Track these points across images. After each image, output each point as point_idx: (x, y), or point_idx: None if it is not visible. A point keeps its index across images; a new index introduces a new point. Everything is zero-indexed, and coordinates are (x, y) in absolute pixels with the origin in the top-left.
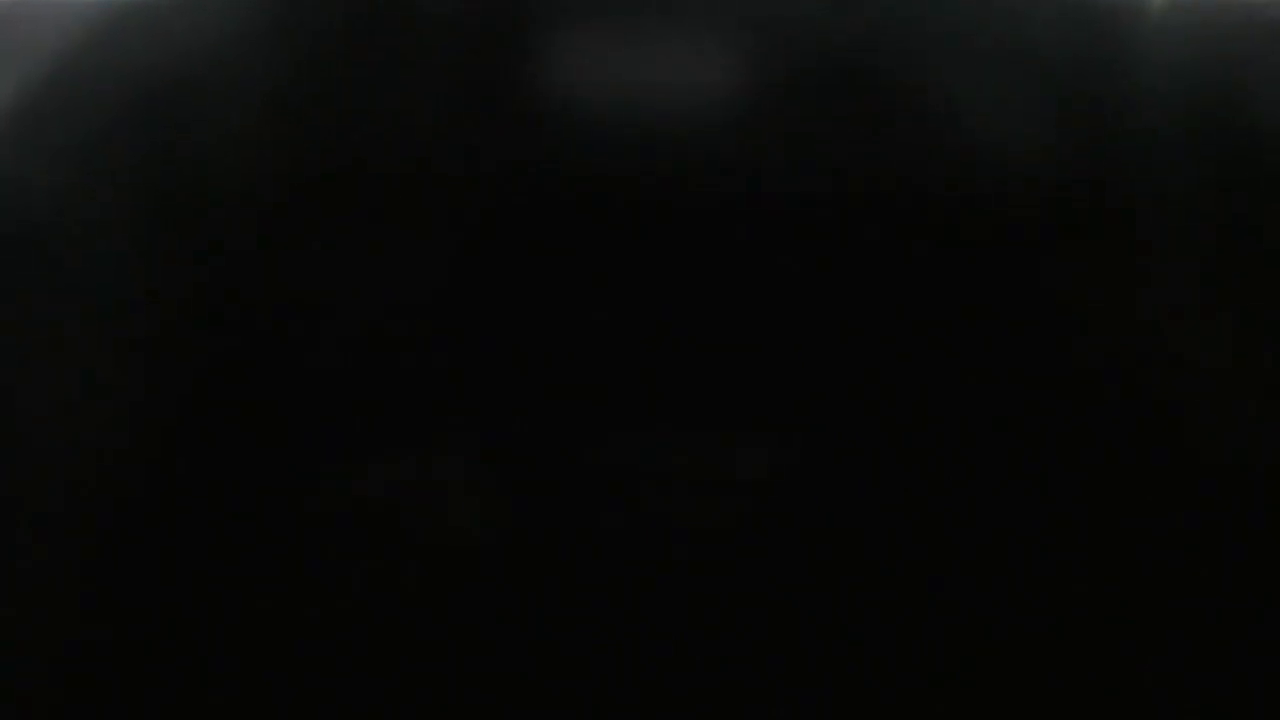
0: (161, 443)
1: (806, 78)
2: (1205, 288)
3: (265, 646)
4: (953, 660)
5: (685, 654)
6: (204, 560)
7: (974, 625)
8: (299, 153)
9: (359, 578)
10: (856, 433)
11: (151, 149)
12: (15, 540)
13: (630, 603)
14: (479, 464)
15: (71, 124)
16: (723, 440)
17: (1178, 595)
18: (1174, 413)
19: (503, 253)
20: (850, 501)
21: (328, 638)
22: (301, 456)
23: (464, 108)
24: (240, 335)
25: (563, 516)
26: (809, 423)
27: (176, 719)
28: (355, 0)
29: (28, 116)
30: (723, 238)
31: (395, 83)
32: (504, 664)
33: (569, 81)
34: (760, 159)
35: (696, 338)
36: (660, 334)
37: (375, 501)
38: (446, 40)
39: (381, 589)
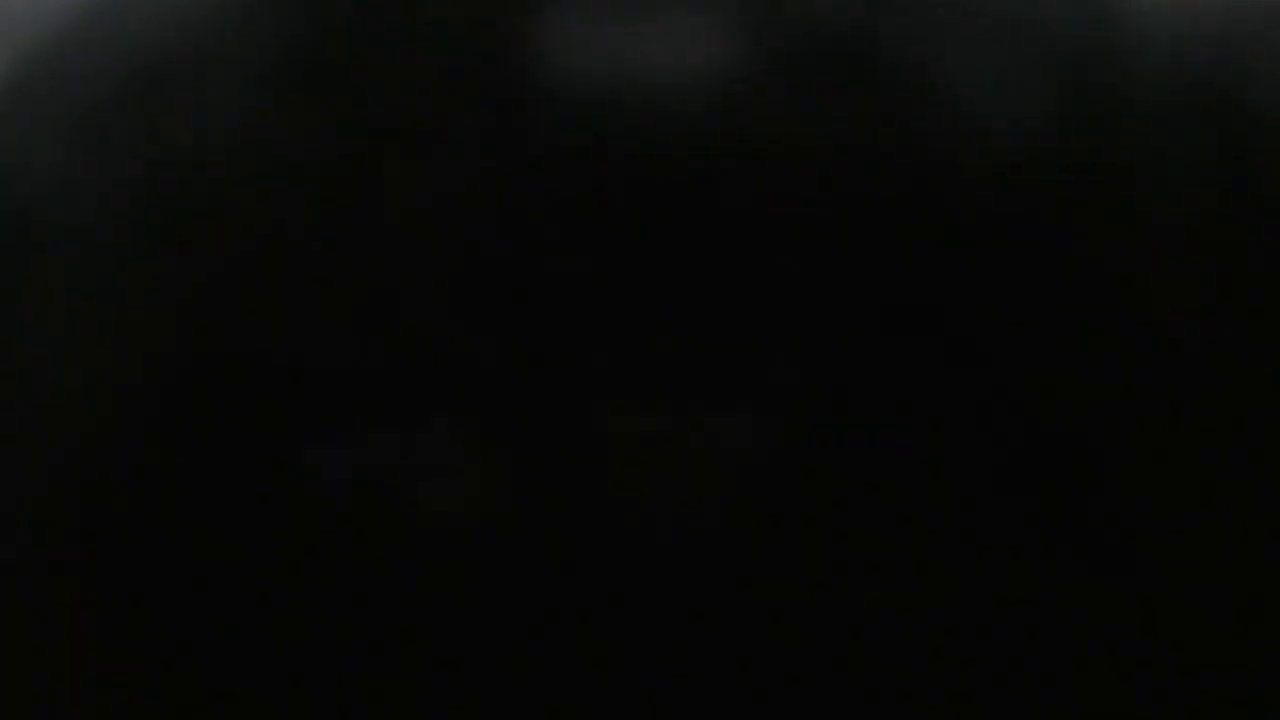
0: (157, 425)
1: (809, 55)
2: (1205, 272)
3: (264, 636)
4: (949, 651)
5: (681, 636)
6: (200, 548)
7: (973, 616)
8: (297, 130)
9: (358, 561)
10: (855, 416)
11: (148, 127)
12: (6, 527)
13: (628, 586)
14: (478, 443)
15: (67, 101)
16: (721, 419)
17: (1178, 589)
18: (1174, 402)
19: (501, 231)
20: (852, 485)
21: (326, 625)
22: (300, 437)
23: (465, 86)
24: (238, 314)
25: (561, 495)
26: (812, 402)
27: (176, 710)
28: None
29: (23, 92)
30: (724, 215)
31: (396, 62)
32: (501, 648)
33: (570, 59)
34: (764, 136)
35: (696, 316)
36: (659, 312)
37: (376, 485)
38: (449, 18)
39: (384, 571)
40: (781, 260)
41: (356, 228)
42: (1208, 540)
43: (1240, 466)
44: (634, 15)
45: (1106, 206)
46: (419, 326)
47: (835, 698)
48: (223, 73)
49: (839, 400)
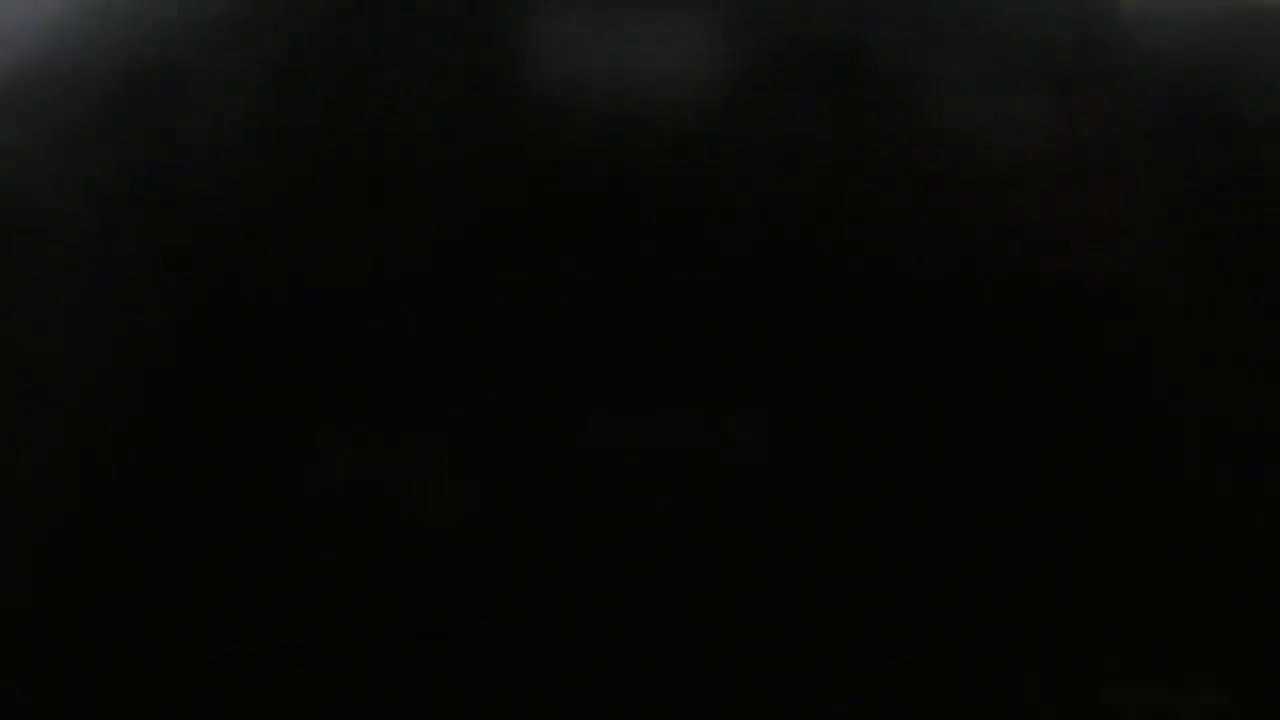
0: (145, 422)
1: (798, 64)
2: (1201, 272)
3: (260, 631)
4: (932, 640)
5: (669, 639)
6: (191, 548)
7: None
8: (292, 132)
9: (348, 560)
10: (842, 417)
11: (145, 128)
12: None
13: (615, 584)
14: (470, 449)
15: (66, 101)
16: (710, 427)
17: (1163, 591)
18: (1162, 406)
19: (487, 237)
20: (842, 491)
21: (318, 618)
22: (285, 439)
23: (452, 92)
24: (226, 317)
25: (552, 499)
26: (795, 406)
27: (172, 704)
28: None
29: (23, 92)
30: (715, 220)
31: (386, 66)
32: (493, 648)
33: (557, 66)
34: (758, 144)
35: (682, 322)
36: (646, 317)
37: (367, 484)
38: (437, 24)
39: (374, 573)
40: (774, 266)
41: (349, 231)
42: (1197, 535)
43: (1231, 463)
44: (630, 21)
45: (1100, 213)
46: (414, 329)
47: (822, 698)
48: (220, 73)
49: (833, 408)
